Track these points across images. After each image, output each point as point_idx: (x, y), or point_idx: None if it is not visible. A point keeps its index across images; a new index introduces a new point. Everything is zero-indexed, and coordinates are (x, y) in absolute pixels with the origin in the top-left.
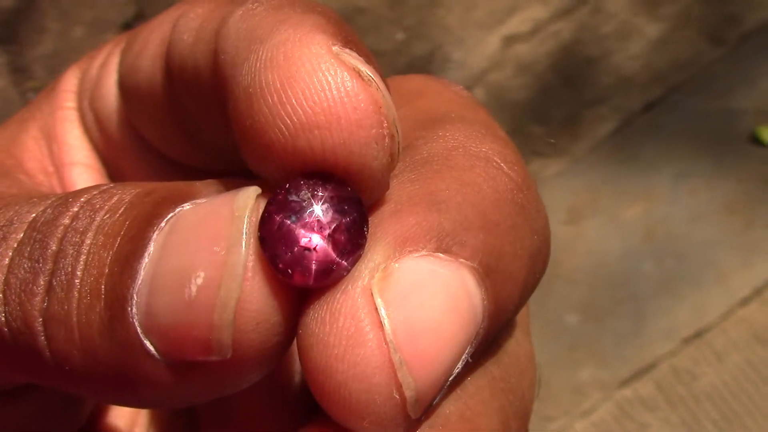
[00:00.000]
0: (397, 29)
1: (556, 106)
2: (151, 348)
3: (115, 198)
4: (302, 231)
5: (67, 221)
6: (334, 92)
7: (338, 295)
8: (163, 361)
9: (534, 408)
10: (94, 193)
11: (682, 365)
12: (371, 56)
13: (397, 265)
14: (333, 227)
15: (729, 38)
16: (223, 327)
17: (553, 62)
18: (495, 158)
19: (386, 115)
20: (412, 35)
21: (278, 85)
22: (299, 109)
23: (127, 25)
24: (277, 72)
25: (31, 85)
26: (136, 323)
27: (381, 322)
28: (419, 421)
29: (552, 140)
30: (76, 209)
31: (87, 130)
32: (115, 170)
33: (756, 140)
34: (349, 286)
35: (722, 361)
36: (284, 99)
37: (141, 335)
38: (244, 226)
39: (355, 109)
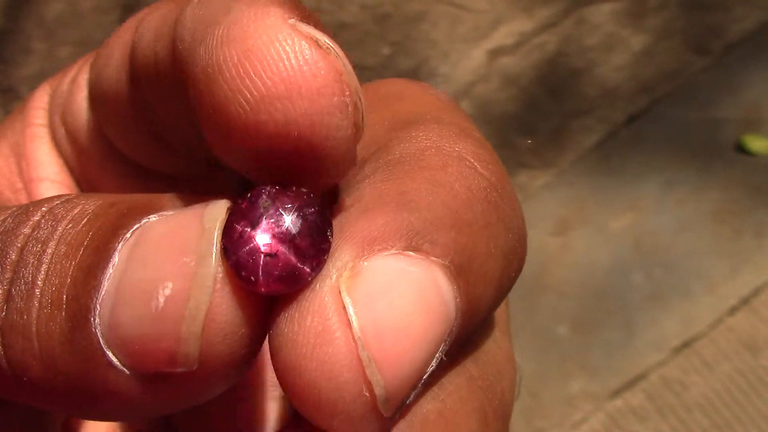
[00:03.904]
0: (383, 44)
1: (541, 118)
2: (114, 359)
3: (78, 208)
4: (264, 238)
5: (27, 230)
6: (293, 61)
7: (307, 294)
8: (126, 372)
9: (524, 419)
10: (57, 202)
11: (672, 375)
12: (330, 33)
13: (365, 263)
14: (295, 233)
15: (713, 49)
16: (191, 339)
17: (539, 74)
18: (468, 158)
19: (348, 82)
20: (398, 50)
21: (236, 60)
22: (258, 82)
23: None
24: (233, 47)
25: (18, 106)
26: (99, 333)
27: (349, 320)
28: (394, 420)
29: (529, 141)
30: (37, 218)
31: (58, 146)
32: (87, 185)
33: (742, 149)
34: (317, 285)
35: (712, 371)
36: (242, 73)
37: (103, 346)
38: (215, 238)
39: (315, 77)
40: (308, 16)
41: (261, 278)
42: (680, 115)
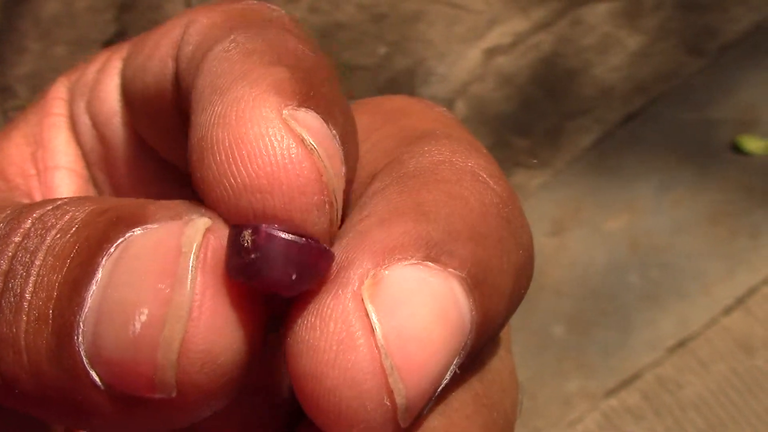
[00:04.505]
0: (379, 44)
1: (537, 118)
2: (97, 379)
3: (68, 216)
4: (275, 234)
5: (18, 239)
6: (278, 158)
7: (328, 301)
8: (108, 393)
9: (521, 420)
10: (48, 208)
11: (668, 375)
12: (338, 104)
13: (386, 272)
14: (298, 241)
15: (708, 50)
16: (167, 366)
17: (535, 74)
18: (481, 173)
19: (327, 183)
20: (395, 50)
21: (227, 144)
22: (243, 171)
23: (109, 44)
24: (227, 131)
25: (14, 105)
26: (82, 352)
27: (372, 328)
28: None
29: (534, 160)
30: (28, 226)
31: (79, 135)
32: (109, 176)
33: (737, 150)
34: (340, 291)
35: (707, 370)
36: (230, 159)
37: (86, 365)
38: (190, 263)
39: (298, 176)
40: (313, 97)
41: (274, 275)
42: (676, 115)
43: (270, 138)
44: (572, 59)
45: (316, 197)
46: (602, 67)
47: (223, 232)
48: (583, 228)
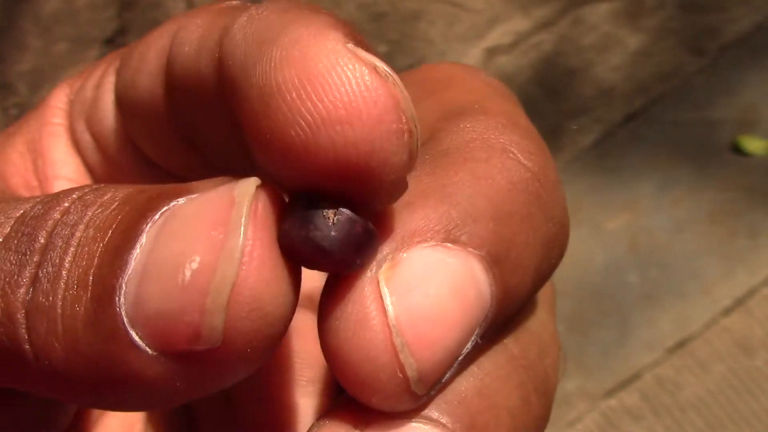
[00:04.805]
0: (379, 43)
1: (538, 118)
2: (137, 339)
3: (108, 194)
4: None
5: (57, 216)
6: (354, 87)
7: (349, 284)
8: (149, 353)
9: None
10: (86, 190)
11: (667, 375)
12: (382, 57)
13: (405, 255)
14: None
15: (709, 50)
16: (216, 312)
17: (535, 74)
18: (512, 149)
19: (404, 110)
20: (395, 49)
21: (296, 82)
22: (320, 105)
23: (110, 41)
24: (294, 69)
25: (14, 102)
26: (123, 313)
27: (385, 308)
28: (430, 396)
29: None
30: (67, 204)
31: (82, 153)
32: None
33: (737, 150)
34: (359, 278)
35: (706, 371)
36: (303, 95)
37: (127, 325)
38: (244, 212)
39: (376, 104)
40: (361, 41)
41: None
42: (676, 115)
43: (342, 68)
44: (573, 59)
45: (394, 125)
46: (603, 66)
47: (273, 194)
48: (583, 227)
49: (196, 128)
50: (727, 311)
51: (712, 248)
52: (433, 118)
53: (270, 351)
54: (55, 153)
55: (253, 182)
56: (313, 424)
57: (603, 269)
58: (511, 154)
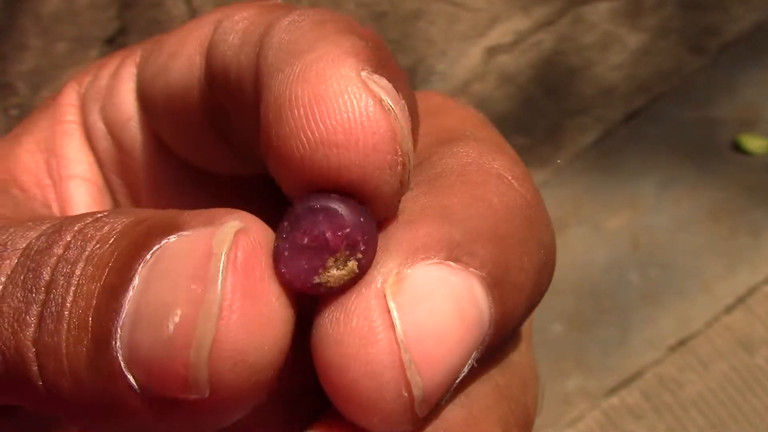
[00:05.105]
0: None
1: (538, 117)
2: (133, 382)
3: (107, 227)
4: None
5: (59, 251)
6: (356, 115)
7: (353, 298)
8: (144, 397)
9: None
10: (88, 221)
11: (668, 373)
12: (403, 79)
13: (409, 271)
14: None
15: (709, 49)
16: (199, 365)
17: (535, 73)
18: (506, 175)
19: (401, 144)
20: (396, 48)
21: (306, 100)
22: (321, 126)
23: (111, 41)
24: (306, 87)
25: (14, 102)
26: (120, 357)
27: (393, 323)
28: (425, 421)
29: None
30: (68, 239)
31: (93, 142)
32: (125, 180)
33: (738, 148)
34: (363, 289)
35: (707, 369)
36: (309, 114)
37: (124, 369)
38: (221, 265)
39: (374, 134)
40: (384, 66)
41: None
42: (677, 114)
43: (349, 95)
44: (573, 58)
45: (389, 156)
46: (603, 65)
47: (258, 234)
48: (584, 226)
49: (230, 118)
50: (728, 309)
51: (713, 246)
52: (427, 142)
53: (262, 394)
54: (69, 151)
55: (231, 229)
56: None
57: (604, 268)
58: (505, 179)
